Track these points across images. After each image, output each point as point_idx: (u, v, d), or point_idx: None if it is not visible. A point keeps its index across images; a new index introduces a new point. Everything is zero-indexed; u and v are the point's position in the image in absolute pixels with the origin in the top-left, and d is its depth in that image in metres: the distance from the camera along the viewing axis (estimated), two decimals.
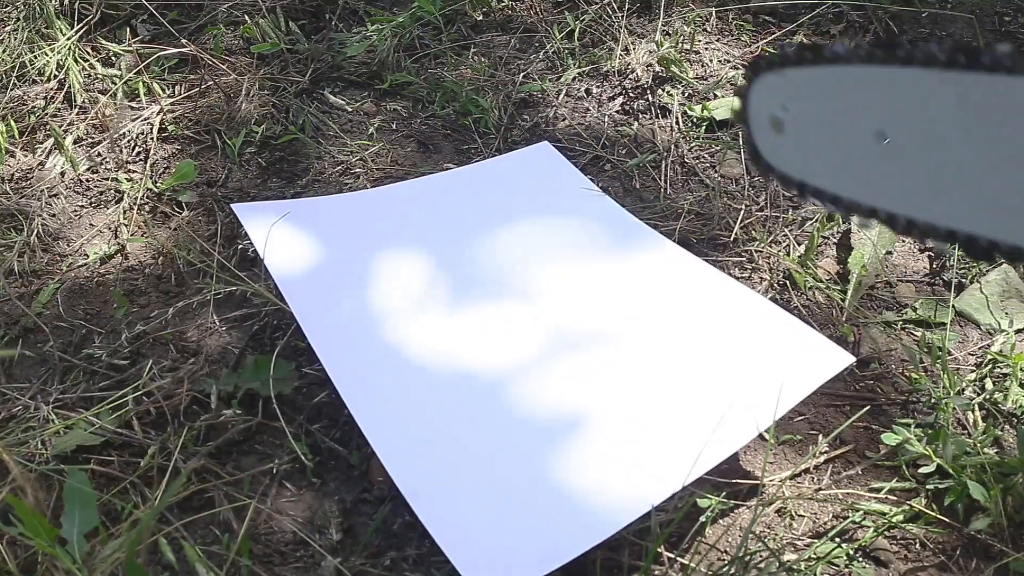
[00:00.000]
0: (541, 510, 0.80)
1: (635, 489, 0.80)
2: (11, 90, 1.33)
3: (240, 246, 1.12)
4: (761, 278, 1.09)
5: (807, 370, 0.88)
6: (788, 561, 0.81)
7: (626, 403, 0.89)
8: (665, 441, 0.84)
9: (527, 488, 0.82)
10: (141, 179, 1.21)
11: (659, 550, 0.79)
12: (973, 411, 0.94)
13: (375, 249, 1.06)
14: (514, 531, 0.78)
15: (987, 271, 1.09)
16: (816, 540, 0.84)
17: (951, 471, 0.86)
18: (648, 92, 1.37)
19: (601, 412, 0.88)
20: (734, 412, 0.84)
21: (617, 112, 1.34)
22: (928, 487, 0.87)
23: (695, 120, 1.32)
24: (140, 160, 1.25)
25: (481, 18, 1.52)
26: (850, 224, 1.14)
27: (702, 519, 0.83)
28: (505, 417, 0.88)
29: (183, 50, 1.38)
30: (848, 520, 0.85)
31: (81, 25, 1.42)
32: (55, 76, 1.35)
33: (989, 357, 1.00)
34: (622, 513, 0.78)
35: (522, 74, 1.40)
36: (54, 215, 1.17)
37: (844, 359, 0.89)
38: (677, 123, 1.32)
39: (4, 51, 1.37)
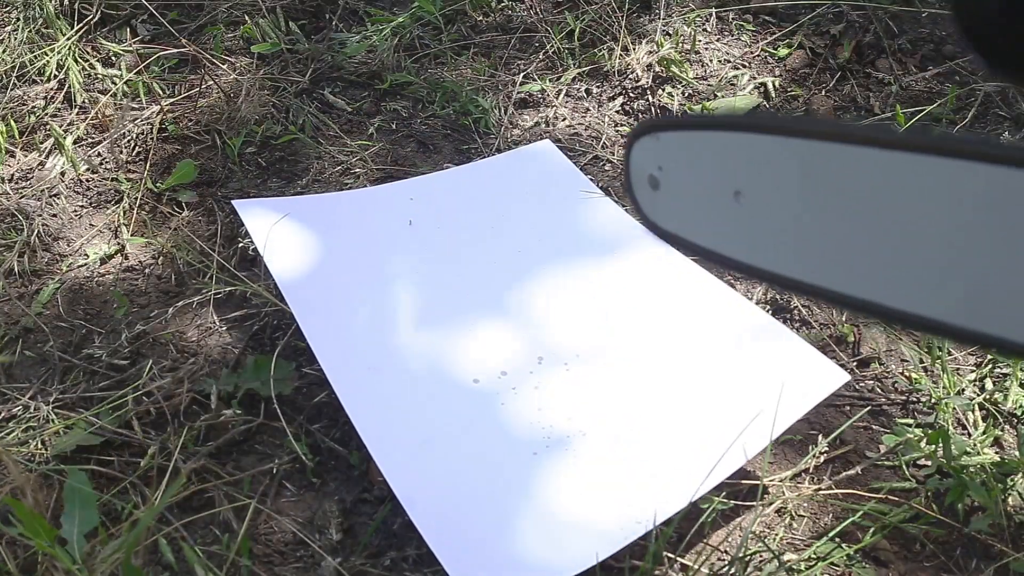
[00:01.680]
0: (538, 524, 0.80)
1: (633, 509, 0.80)
2: (11, 90, 1.33)
3: (240, 246, 1.12)
4: None
5: (804, 389, 0.88)
6: (788, 561, 0.81)
7: (624, 417, 0.89)
8: (663, 460, 0.84)
9: (524, 500, 0.82)
10: (141, 179, 1.21)
11: (659, 550, 0.79)
12: (973, 411, 0.94)
13: (375, 249, 1.06)
14: (511, 544, 0.78)
15: None
16: (816, 540, 0.84)
17: (951, 471, 0.86)
18: (648, 92, 1.37)
19: (599, 426, 0.88)
20: (732, 433, 0.84)
21: (617, 112, 1.34)
22: (928, 487, 0.87)
23: None
24: (140, 160, 1.25)
25: (481, 18, 1.52)
26: None
27: (702, 519, 0.83)
28: (504, 425, 0.88)
29: (183, 50, 1.38)
30: (848, 520, 0.85)
31: (81, 25, 1.42)
32: (55, 76, 1.35)
33: (989, 357, 1.00)
34: (619, 534, 0.78)
35: (522, 74, 1.40)
36: (54, 215, 1.17)
37: (840, 377, 0.89)
38: None
39: (4, 51, 1.37)
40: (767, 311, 1.04)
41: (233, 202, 1.09)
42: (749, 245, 0.44)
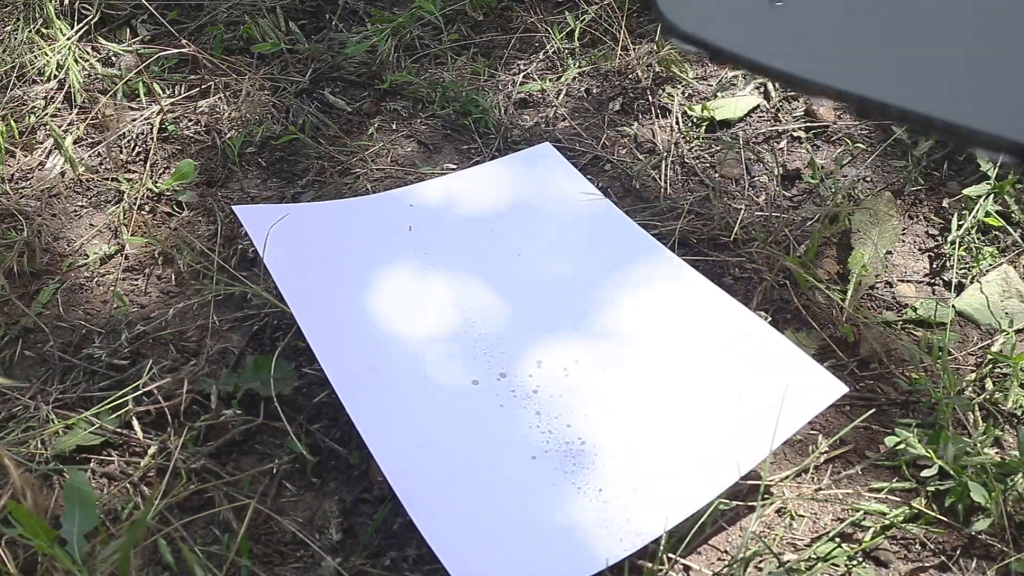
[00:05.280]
0: (539, 527, 0.80)
1: (632, 519, 0.80)
2: (11, 90, 1.33)
3: (240, 246, 1.12)
4: (761, 278, 1.09)
5: (802, 401, 0.87)
6: (788, 561, 0.81)
7: (621, 425, 0.88)
8: (661, 469, 0.84)
9: (524, 504, 0.82)
10: (141, 179, 1.21)
11: (659, 550, 0.79)
12: (973, 411, 0.94)
13: (375, 252, 1.06)
14: (512, 545, 0.78)
15: (987, 271, 1.09)
16: (816, 540, 0.84)
17: (951, 471, 0.86)
18: (648, 92, 1.37)
19: (597, 433, 0.88)
20: (730, 443, 0.84)
21: (617, 112, 1.34)
22: (928, 487, 0.87)
23: (695, 120, 1.32)
24: (140, 160, 1.25)
25: (481, 18, 1.52)
26: (850, 224, 1.14)
27: (703, 519, 0.83)
28: (503, 428, 0.88)
29: (183, 50, 1.38)
30: (848, 520, 0.85)
31: (81, 25, 1.42)
32: (55, 76, 1.35)
33: (989, 357, 1.00)
34: (619, 545, 0.78)
35: (522, 74, 1.40)
36: (54, 215, 1.17)
37: (838, 389, 0.89)
38: (677, 123, 1.32)
39: (4, 51, 1.37)
40: (766, 317, 1.04)
41: (233, 207, 1.09)
42: (784, 52, 0.42)
